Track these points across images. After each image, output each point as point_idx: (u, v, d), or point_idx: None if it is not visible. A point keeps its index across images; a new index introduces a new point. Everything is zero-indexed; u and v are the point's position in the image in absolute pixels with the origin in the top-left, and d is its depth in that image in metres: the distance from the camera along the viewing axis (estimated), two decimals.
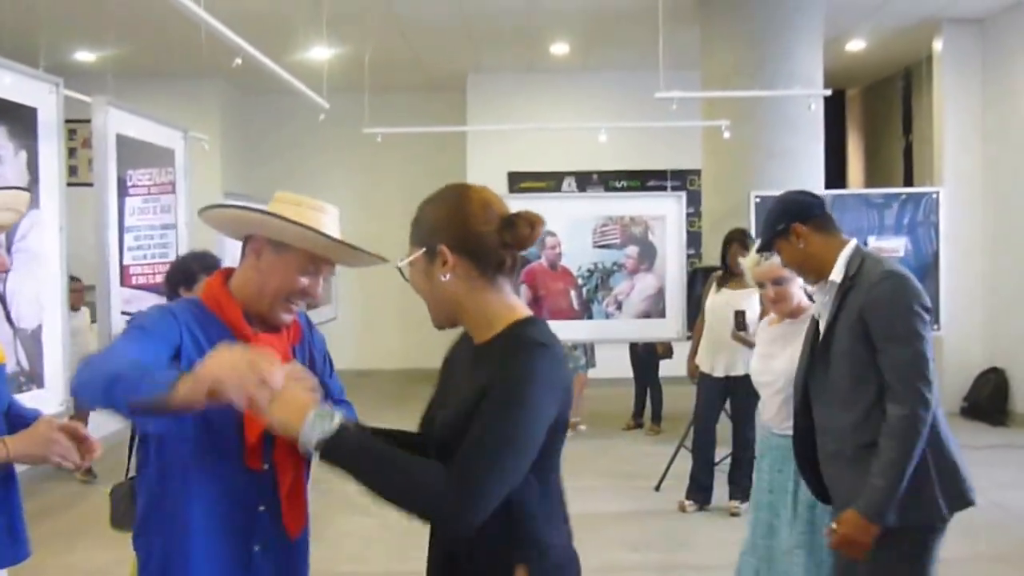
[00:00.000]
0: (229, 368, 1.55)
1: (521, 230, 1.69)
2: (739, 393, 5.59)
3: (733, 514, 5.70)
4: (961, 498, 2.61)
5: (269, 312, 1.96)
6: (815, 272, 2.76)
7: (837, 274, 2.67)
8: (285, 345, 2.03)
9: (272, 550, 1.96)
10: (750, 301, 5.40)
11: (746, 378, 3.88)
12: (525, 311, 1.74)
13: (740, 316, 5.31)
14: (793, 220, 2.74)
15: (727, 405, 5.94)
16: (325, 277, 2.02)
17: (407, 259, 1.74)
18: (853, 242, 2.74)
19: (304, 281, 1.96)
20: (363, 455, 1.61)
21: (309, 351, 2.14)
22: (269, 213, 1.91)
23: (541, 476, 1.70)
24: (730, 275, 5.78)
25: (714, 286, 5.95)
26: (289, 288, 1.95)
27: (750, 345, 4.65)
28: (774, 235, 2.79)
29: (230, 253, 6.46)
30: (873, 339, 2.57)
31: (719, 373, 5.78)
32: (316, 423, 1.58)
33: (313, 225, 1.91)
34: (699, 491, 5.91)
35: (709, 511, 5.87)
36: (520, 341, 1.66)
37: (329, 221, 1.97)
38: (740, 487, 5.68)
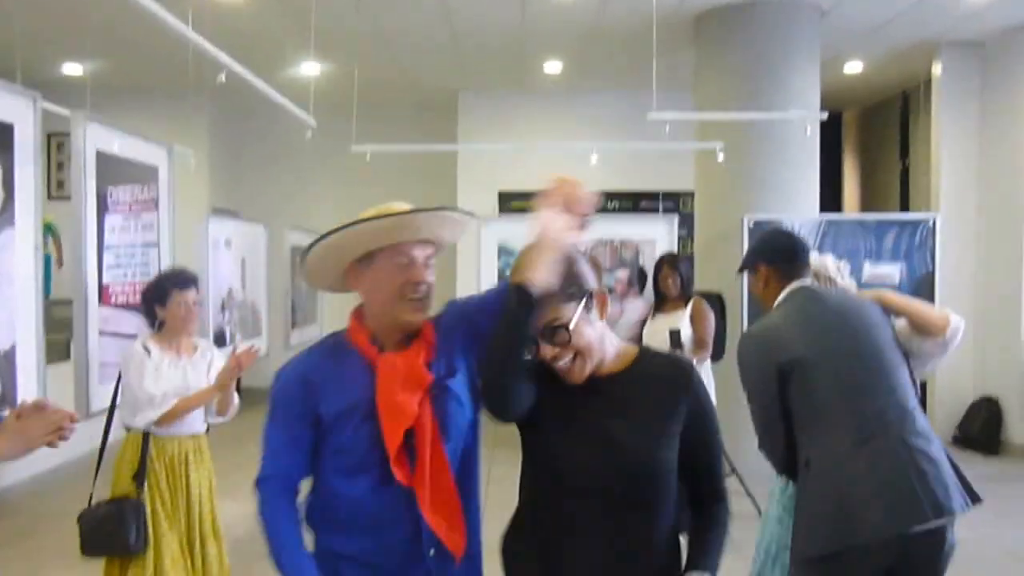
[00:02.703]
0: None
1: None
2: None
3: None
4: (830, 538, 2.64)
5: (397, 320, 1.96)
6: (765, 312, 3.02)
7: None
8: (416, 362, 1.95)
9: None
10: (684, 321, 5.46)
11: None
12: None
13: (675, 335, 5.33)
14: (760, 259, 3.00)
15: None
16: (426, 259, 2.00)
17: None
18: (786, 291, 2.90)
19: (403, 275, 1.94)
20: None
21: (448, 359, 2.04)
22: (318, 240, 1.97)
23: None
24: (663, 299, 5.76)
25: (650, 315, 5.88)
26: (395, 288, 1.94)
27: None
28: (746, 266, 3.08)
29: (213, 270, 6.38)
30: None
31: None
32: None
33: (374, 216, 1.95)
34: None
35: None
36: None
37: (395, 207, 1.99)
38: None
